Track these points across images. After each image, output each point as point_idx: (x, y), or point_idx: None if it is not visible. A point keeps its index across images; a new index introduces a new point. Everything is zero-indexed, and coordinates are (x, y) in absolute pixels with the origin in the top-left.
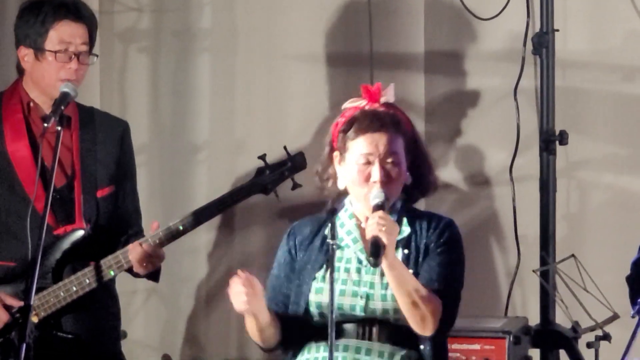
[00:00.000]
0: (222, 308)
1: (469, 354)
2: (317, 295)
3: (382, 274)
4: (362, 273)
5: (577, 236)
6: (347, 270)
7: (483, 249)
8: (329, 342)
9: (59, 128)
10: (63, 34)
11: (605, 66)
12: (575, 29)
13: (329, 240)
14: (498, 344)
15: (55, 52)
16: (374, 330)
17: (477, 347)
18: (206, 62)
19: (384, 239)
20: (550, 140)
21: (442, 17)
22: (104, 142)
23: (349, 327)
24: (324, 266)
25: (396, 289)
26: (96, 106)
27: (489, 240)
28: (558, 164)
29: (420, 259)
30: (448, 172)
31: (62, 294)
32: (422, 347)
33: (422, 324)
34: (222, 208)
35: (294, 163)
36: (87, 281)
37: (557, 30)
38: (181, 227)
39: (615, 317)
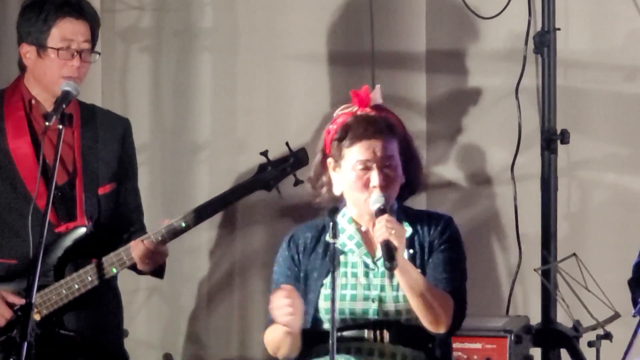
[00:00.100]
0: (223, 307)
1: (470, 353)
2: (327, 302)
3: (391, 276)
4: (371, 276)
5: (579, 235)
6: (354, 275)
7: (484, 248)
8: (329, 342)
9: (61, 127)
10: (65, 31)
11: (606, 66)
12: (576, 28)
13: (330, 240)
14: (499, 343)
15: (58, 49)
16: (385, 332)
17: (478, 346)
18: (207, 62)
19: (395, 242)
20: (551, 140)
21: (443, 16)
22: (105, 140)
23: (360, 330)
24: (330, 272)
25: (410, 291)
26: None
27: (490, 239)
28: (559, 163)
29: (426, 257)
30: (449, 171)
31: (64, 291)
32: (430, 345)
33: (435, 323)
34: (224, 204)
35: (297, 159)
36: (90, 279)
37: (559, 30)
38: (184, 224)
39: (616, 316)
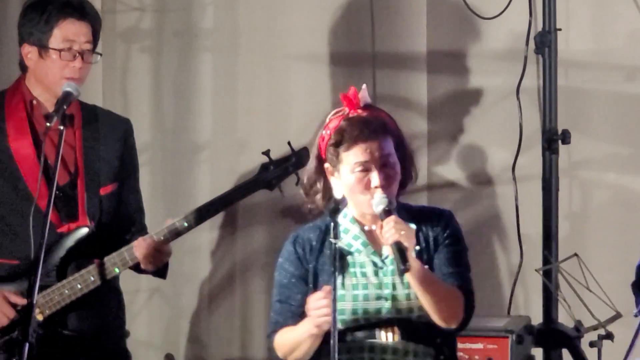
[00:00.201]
0: (224, 307)
1: (471, 353)
2: (339, 303)
3: (401, 274)
4: (381, 275)
5: (580, 235)
6: (364, 275)
7: (485, 248)
8: (331, 343)
9: (62, 127)
10: (67, 32)
11: (607, 66)
12: (577, 28)
13: (332, 240)
14: (501, 343)
15: (60, 50)
16: (397, 329)
17: (480, 346)
18: (208, 62)
19: (405, 243)
20: (552, 140)
21: (444, 16)
22: (106, 140)
23: (373, 329)
24: (340, 273)
25: (421, 289)
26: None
27: (491, 239)
28: (560, 163)
29: (432, 253)
30: (450, 171)
31: (66, 291)
32: (438, 341)
33: (448, 318)
34: (227, 204)
35: (298, 158)
36: (92, 279)
37: (560, 30)
38: (185, 224)
39: (618, 316)
